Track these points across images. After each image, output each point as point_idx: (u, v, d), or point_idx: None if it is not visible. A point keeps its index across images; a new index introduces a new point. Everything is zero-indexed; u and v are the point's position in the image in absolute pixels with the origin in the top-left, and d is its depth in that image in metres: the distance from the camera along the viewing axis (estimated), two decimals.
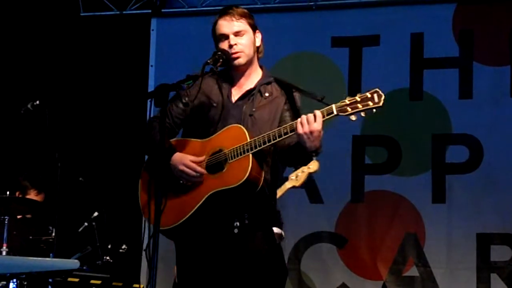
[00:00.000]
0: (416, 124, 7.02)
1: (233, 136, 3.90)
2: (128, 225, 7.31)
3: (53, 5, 7.78)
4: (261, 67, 4.13)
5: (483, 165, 6.81)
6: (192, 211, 3.91)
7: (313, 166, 5.33)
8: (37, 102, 5.82)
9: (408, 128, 7.04)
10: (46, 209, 6.31)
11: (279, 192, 5.28)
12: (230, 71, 4.08)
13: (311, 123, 3.75)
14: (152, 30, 7.68)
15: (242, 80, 4.07)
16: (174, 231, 3.96)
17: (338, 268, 7.03)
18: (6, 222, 5.72)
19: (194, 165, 3.92)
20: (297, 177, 5.37)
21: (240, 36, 4.00)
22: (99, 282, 6.17)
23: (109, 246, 6.42)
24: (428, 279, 6.81)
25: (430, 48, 7.05)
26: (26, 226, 6.28)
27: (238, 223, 3.94)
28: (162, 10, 7.69)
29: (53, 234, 5.95)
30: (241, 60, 4.00)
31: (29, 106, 5.84)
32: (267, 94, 4.03)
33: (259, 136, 3.85)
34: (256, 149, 3.84)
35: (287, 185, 5.39)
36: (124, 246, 6.51)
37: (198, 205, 3.90)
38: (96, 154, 7.67)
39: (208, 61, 3.91)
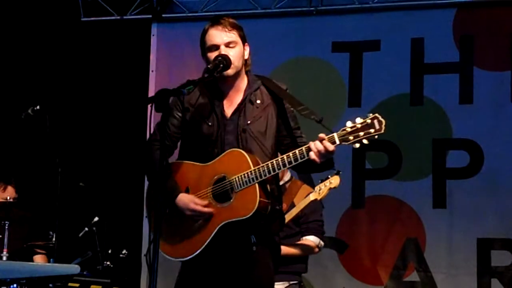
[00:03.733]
0: (417, 129, 7.02)
1: (235, 162, 3.89)
2: (129, 230, 7.31)
3: (54, 10, 7.78)
4: (246, 73, 4.09)
5: (484, 170, 6.81)
6: (206, 243, 3.93)
7: (335, 181, 5.35)
8: (38, 107, 5.81)
9: (409, 133, 7.03)
10: (44, 213, 6.29)
11: (302, 204, 5.37)
12: (218, 85, 4.04)
13: (322, 153, 3.81)
14: (153, 35, 7.68)
15: (231, 93, 4.04)
16: (190, 261, 3.99)
17: (339, 273, 7.02)
18: (6, 227, 5.71)
19: (200, 209, 3.93)
20: (319, 191, 5.38)
21: (231, 48, 3.97)
22: (99, 287, 6.16)
23: (110, 251, 6.41)
24: (429, 284, 6.80)
25: (430, 53, 7.04)
26: (25, 231, 6.26)
27: (254, 240, 3.96)
28: (163, 15, 7.69)
29: (54, 239, 5.94)
30: (230, 71, 3.96)
31: (29, 111, 5.82)
32: (258, 102, 4.02)
33: (263, 165, 3.84)
34: (262, 179, 3.84)
35: (311, 197, 5.39)
36: (124, 251, 6.50)
37: (211, 236, 3.92)
38: (97, 159, 7.67)
39: (209, 66, 3.88)
